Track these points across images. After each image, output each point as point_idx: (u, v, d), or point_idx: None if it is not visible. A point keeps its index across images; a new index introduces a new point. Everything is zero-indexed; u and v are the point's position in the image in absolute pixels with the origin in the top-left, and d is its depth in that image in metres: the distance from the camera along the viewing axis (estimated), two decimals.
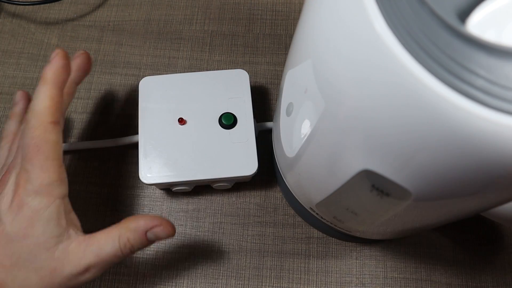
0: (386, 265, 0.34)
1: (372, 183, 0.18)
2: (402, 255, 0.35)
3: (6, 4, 0.43)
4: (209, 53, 0.41)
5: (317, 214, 0.29)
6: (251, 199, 0.37)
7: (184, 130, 0.33)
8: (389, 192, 0.18)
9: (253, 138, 0.33)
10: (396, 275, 0.34)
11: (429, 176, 0.16)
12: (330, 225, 0.30)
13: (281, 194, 0.37)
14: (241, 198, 0.37)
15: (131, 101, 0.40)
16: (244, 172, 0.32)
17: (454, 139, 0.13)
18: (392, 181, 0.17)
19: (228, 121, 0.33)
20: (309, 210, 0.29)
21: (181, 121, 0.33)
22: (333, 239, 0.35)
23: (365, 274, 0.34)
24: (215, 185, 0.34)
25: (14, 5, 0.43)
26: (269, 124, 0.37)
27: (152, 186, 0.37)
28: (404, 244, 0.35)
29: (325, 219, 0.29)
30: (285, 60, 0.42)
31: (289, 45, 0.42)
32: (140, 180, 0.32)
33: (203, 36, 0.42)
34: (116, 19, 0.43)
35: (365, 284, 0.34)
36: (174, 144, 0.33)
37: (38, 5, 0.43)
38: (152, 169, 0.32)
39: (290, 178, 0.29)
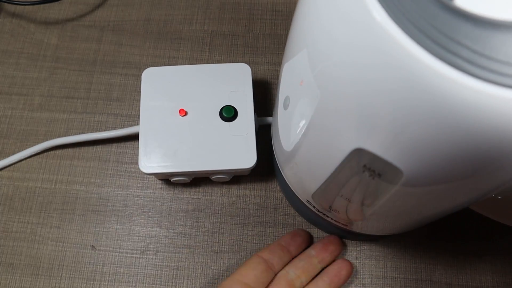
0: (386, 265, 0.34)
1: (364, 163, 0.18)
2: (402, 255, 0.35)
3: (6, 4, 0.43)
4: (209, 53, 0.41)
5: (313, 207, 0.29)
6: (251, 199, 0.37)
7: (185, 121, 0.33)
8: (380, 172, 0.18)
9: (253, 131, 0.33)
10: (396, 275, 0.34)
11: (418, 152, 0.16)
12: (327, 220, 0.30)
13: (281, 194, 0.37)
14: (241, 198, 0.37)
15: (131, 101, 0.40)
16: (242, 165, 0.32)
17: (440, 109, 0.13)
18: (383, 159, 0.17)
19: (228, 113, 0.33)
20: (306, 204, 0.30)
21: (182, 112, 0.33)
22: None
23: (365, 274, 0.34)
24: (213, 177, 0.35)
25: (14, 5, 0.43)
26: (270, 119, 0.37)
27: (152, 187, 0.37)
28: (404, 244, 0.35)
29: (321, 212, 0.29)
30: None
31: (284, 49, 0.42)
32: (140, 169, 0.32)
33: (203, 36, 0.42)
34: (116, 19, 0.43)
35: (365, 284, 0.34)
36: (175, 134, 0.33)
37: (38, 5, 0.43)
38: (151, 159, 0.32)
39: (287, 171, 0.29)
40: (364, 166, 0.19)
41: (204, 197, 0.37)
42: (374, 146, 0.17)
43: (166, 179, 0.36)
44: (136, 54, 0.41)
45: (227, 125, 0.33)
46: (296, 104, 0.22)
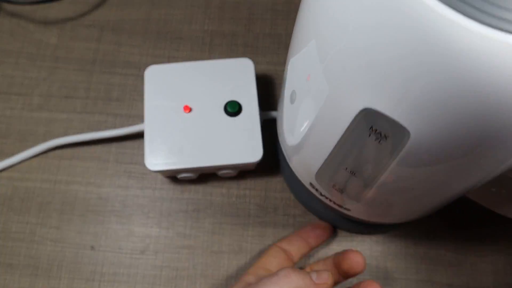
0: (387, 265, 0.34)
1: (371, 124, 0.18)
2: (402, 255, 0.34)
3: (5, 3, 0.43)
4: (208, 53, 0.41)
5: (316, 190, 0.28)
6: (251, 199, 0.36)
7: (190, 117, 0.34)
8: (387, 133, 0.18)
9: (258, 125, 0.33)
10: (397, 276, 0.34)
11: (425, 108, 0.16)
12: (329, 205, 0.29)
13: (281, 194, 0.36)
14: (241, 199, 0.36)
15: (131, 101, 0.40)
16: (249, 159, 0.32)
17: (448, 57, 0.14)
18: (390, 118, 0.17)
19: (233, 108, 0.33)
20: (309, 188, 0.29)
21: (187, 108, 0.34)
22: (333, 239, 0.35)
23: (365, 274, 0.34)
24: (220, 173, 0.35)
25: (13, 4, 0.43)
26: (273, 113, 0.37)
27: (152, 187, 0.37)
28: (405, 245, 0.35)
29: (325, 196, 0.28)
30: (286, 59, 0.42)
31: (290, 45, 0.42)
32: (146, 167, 0.32)
33: (203, 35, 0.42)
34: (116, 18, 0.43)
35: None
36: (180, 131, 0.33)
37: (37, 5, 0.43)
38: (157, 157, 0.33)
39: (292, 154, 0.29)
40: (370, 128, 0.19)
41: (204, 197, 0.37)
42: (381, 104, 0.17)
43: (173, 176, 0.36)
44: (135, 54, 0.41)
45: (232, 120, 0.33)
46: (304, 58, 0.22)
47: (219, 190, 0.37)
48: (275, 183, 0.37)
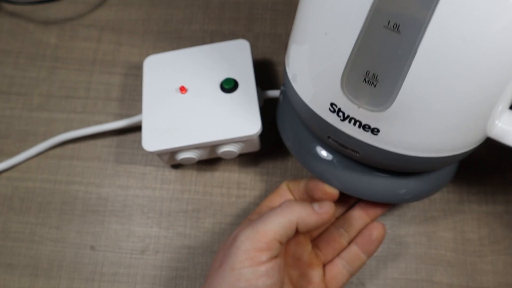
0: (387, 265, 0.34)
1: None
2: (402, 255, 0.34)
3: (5, 3, 0.43)
4: None
5: (339, 112, 0.25)
6: (251, 199, 0.36)
7: (186, 98, 0.34)
8: None
9: (255, 99, 0.33)
10: (397, 276, 0.34)
11: None
12: (354, 137, 0.26)
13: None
14: (241, 198, 0.36)
15: (131, 101, 0.40)
16: (248, 132, 0.32)
17: None
18: None
19: (229, 85, 0.34)
20: (328, 119, 0.25)
21: (183, 89, 0.34)
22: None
23: (365, 274, 0.34)
24: (221, 152, 0.34)
25: (13, 4, 0.43)
26: (273, 93, 0.37)
27: (152, 187, 0.37)
28: (405, 244, 0.35)
29: (348, 118, 0.25)
30: (286, 60, 0.42)
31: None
32: (144, 149, 0.33)
33: (203, 35, 0.42)
34: (115, 18, 0.43)
35: (365, 284, 0.34)
36: (177, 112, 0.33)
37: (37, 5, 0.43)
38: (155, 137, 0.33)
39: (314, 53, 0.26)
40: None
41: (204, 197, 0.37)
42: None
43: (175, 164, 0.36)
44: (135, 54, 0.41)
45: (228, 96, 0.34)
46: None
47: (219, 190, 0.37)
48: (275, 183, 0.37)
